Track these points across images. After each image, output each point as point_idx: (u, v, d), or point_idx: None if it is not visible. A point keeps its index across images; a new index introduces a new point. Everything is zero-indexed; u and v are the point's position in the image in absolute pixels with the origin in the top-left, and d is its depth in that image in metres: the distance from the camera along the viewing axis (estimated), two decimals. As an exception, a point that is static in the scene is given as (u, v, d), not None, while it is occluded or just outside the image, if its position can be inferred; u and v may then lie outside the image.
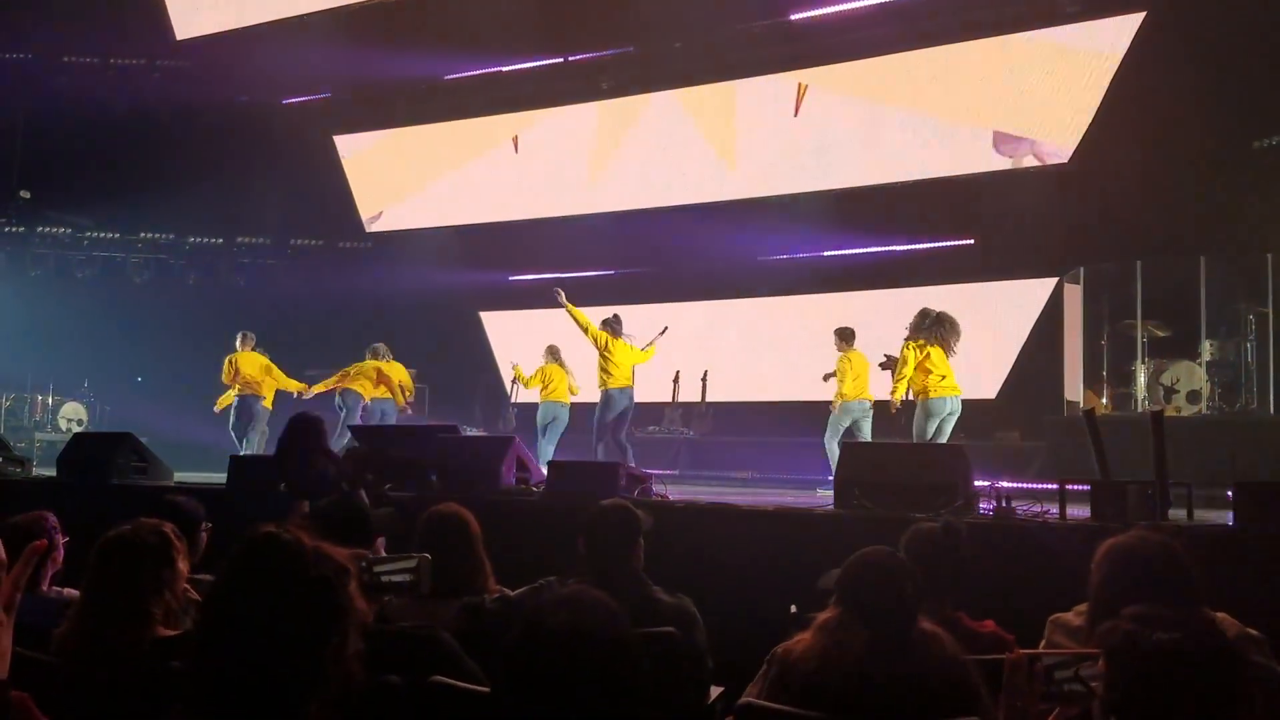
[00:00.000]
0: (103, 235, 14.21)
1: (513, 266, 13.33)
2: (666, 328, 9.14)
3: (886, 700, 2.23)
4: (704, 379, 10.80)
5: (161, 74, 13.90)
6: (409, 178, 14.01)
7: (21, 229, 13.98)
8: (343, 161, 14.28)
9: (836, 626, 2.38)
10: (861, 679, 2.25)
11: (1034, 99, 10.40)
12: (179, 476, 7.09)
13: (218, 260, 14.38)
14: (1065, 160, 10.16)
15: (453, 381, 12.34)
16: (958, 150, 10.82)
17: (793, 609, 2.93)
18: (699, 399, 10.88)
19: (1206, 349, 8.92)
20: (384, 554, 2.71)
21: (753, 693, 2.46)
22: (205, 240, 14.39)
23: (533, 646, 1.40)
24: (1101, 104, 9.90)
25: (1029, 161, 10.35)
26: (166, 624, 2.51)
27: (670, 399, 10.99)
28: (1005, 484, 5.16)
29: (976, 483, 5.06)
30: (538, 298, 13.04)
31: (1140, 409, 8.82)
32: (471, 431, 9.99)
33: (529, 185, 13.22)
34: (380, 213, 14.24)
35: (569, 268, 12.91)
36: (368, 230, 14.25)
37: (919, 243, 11.07)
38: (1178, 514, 4.61)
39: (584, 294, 12.34)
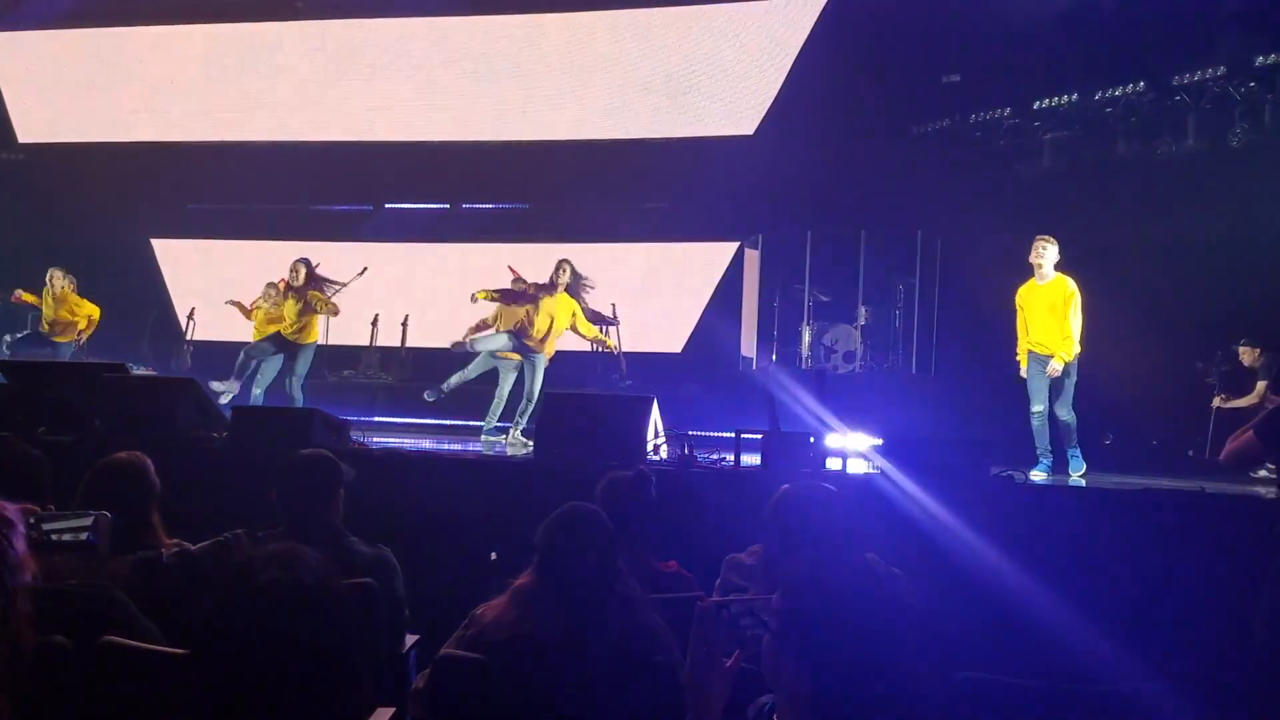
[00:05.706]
0: None
1: (192, 192, 12.24)
2: (365, 268, 8.86)
3: (573, 671, 2.24)
4: (404, 324, 10.55)
5: None
6: (73, 85, 12.42)
7: None
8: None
9: (530, 596, 2.37)
10: (553, 654, 2.24)
11: (727, 70, 11.03)
12: None
13: None
14: (751, 132, 10.86)
15: (118, 315, 11.14)
16: (656, 112, 11.23)
17: (493, 556, 3.01)
18: (399, 344, 10.62)
19: (862, 314, 9.98)
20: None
21: (450, 648, 2.46)
22: None
23: (242, 602, 1.36)
24: (785, 82, 10.67)
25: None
26: None
27: (368, 342, 10.65)
28: (691, 433, 5.53)
29: (664, 431, 5.39)
30: (219, 227, 12.11)
31: (805, 365, 9.75)
32: (141, 371, 9.17)
33: (215, 105, 12.15)
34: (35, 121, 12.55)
35: (258, 198, 12.07)
36: (20, 140, 12.53)
37: (616, 200, 11.44)
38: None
39: (275, 227, 11.65)
